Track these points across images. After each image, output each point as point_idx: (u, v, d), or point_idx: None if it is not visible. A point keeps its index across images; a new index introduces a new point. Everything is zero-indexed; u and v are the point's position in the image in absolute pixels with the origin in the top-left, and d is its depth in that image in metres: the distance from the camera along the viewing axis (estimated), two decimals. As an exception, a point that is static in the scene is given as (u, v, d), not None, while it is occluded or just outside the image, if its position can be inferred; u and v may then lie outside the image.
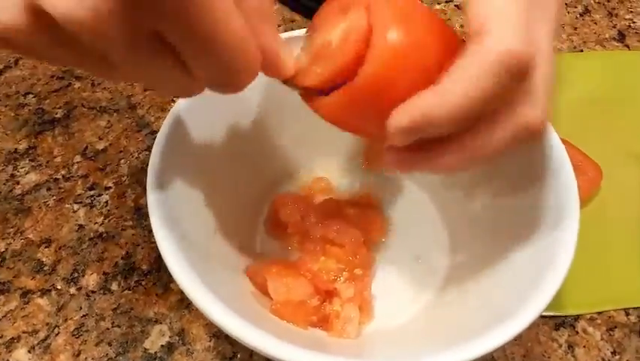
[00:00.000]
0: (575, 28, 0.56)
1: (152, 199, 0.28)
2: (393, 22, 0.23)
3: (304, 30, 0.31)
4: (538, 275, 0.27)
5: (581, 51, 0.53)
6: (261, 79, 0.33)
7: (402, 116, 0.23)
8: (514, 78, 0.22)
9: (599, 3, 0.58)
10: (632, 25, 0.56)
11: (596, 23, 0.56)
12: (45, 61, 0.25)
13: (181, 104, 0.32)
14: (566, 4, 0.58)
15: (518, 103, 0.23)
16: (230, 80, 0.21)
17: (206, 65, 0.20)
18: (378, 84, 0.23)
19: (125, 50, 0.19)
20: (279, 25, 0.55)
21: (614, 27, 0.56)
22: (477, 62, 0.22)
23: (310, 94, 0.26)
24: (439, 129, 0.23)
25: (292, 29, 0.51)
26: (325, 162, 0.41)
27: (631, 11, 0.57)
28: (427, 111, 0.22)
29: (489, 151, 0.24)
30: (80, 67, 0.22)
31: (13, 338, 0.35)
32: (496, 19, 0.22)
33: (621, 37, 0.55)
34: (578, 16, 0.57)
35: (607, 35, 0.55)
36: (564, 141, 0.32)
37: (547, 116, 0.24)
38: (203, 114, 0.33)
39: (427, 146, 0.24)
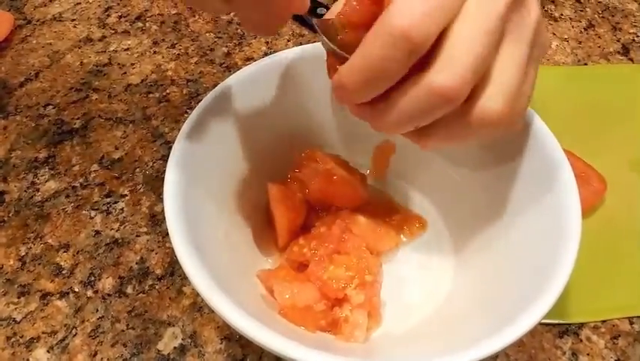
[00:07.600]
0: (580, 42, 0.56)
1: (170, 206, 0.29)
2: None
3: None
4: (541, 283, 0.27)
5: (585, 64, 0.54)
6: (274, 90, 0.34)
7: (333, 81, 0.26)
8: (405, 52, 0.23)
9: (603, 17, 0.59)
10: (635, 39, 0.57)
11: (600, 37, 0.57)
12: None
13: (195, 115, 0.33)
14: (570, 18, 0.59)
15: (427, 68, 0.24)
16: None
17: None
18: None
19: None
20: (288, 40, 0.56)
21: (618, 41, 0.57)
22: (374, 32, 0.23)
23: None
24: (353, 91, 0.25)
25: (301, 43, 0.53)
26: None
27: (635, 25, 0.58)
28: (340, 76, 0.25)
29: (404, 116, 0.25)
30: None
31: (32, 338, 0.36)
32: None
33: (625, 50, 0.56)
34: (583, 30, 0.58)
35: (611, 49, 0.56)
36: (568, 152, 0.32)
37: (464, 79, 0.23)
38: (216, 124, 0.34)
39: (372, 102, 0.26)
